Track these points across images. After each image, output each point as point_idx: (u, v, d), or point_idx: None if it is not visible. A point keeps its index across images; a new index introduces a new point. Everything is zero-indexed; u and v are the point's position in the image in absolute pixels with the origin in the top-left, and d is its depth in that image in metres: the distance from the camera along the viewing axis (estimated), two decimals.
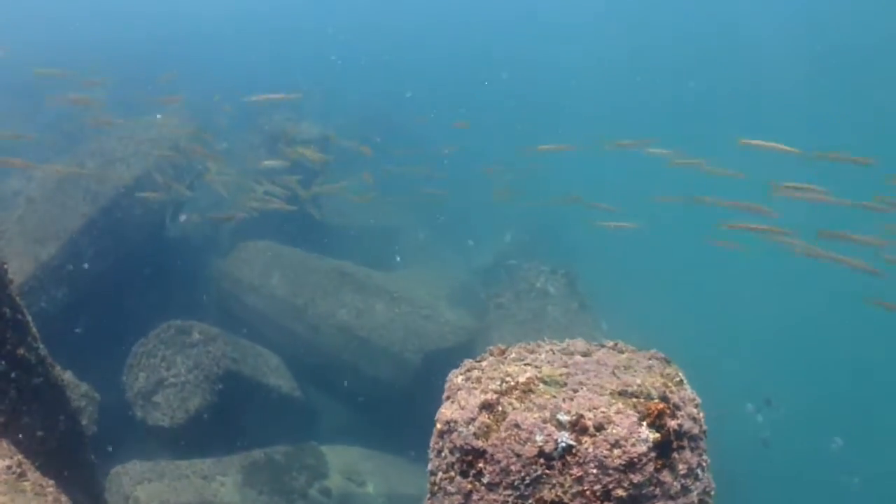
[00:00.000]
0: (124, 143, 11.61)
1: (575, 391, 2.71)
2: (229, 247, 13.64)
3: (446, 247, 19.21)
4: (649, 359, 3.07)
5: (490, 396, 2.72)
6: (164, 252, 12.14)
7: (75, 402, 8.86)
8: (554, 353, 3.06)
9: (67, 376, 8.81)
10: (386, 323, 11.28)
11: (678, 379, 2.92)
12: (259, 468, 8.78)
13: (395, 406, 10.78)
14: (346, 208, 16.70)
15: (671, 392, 2.76)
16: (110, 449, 8.58)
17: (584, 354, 3.05)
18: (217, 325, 12.07)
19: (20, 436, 5.04)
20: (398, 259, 16.63)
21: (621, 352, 3.15)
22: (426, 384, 10.56)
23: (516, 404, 2.67)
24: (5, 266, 5.28)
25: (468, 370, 3.01)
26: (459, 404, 2.77)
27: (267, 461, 8.91)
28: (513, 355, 3.11)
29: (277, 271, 12.13)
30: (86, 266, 10.07)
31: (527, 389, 2.73)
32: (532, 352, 3.12)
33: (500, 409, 2.67)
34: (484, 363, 3.05)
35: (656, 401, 2.67)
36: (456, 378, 2.97)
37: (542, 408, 2.63)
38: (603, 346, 3.19)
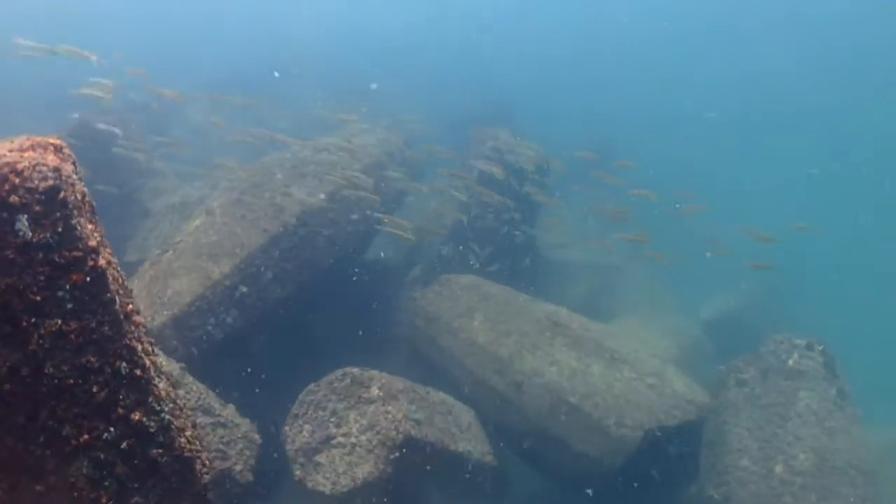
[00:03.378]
0: (317, 154, 10.90)
1: None
2: (429, 276, 12.73)
3: (668, 289, 17.51)
4: None
5: None
6: (355, 279, 11.31)
7: (234, 444, 8.10)
8: None
9: (228, 412, 8.08)
10: (602, 389, 9.88)
11: None
12: None
13: (600, 488, 9.73)
14: (555, 240, 15.48)
15: None
16: None
17: None
18: (406, 367, 11.24)
19: None
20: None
21: None
22: (642, 467, 9.42)
23: None
24: (131, 308, 4.31)
25: None
26: None
27: None
28: None
29: (480, 313, 10.97)
30: (262, 290, 9.32)
31: None
32: None
33: None
34: None
35: None
36: None
37: None
38: None
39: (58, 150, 3.89)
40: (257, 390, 9.38)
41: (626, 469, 9.50)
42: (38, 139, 3.91)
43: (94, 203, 4.30)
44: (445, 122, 19.69)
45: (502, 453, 10.38)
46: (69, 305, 3.80)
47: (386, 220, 11.10)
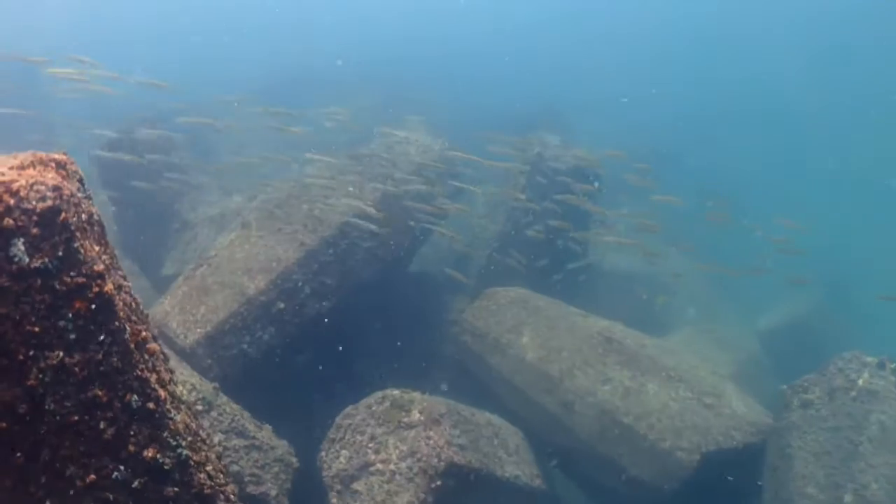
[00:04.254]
0: (357, 163, 10.64)
1: None
2: (476, 289, 12.39)
3: (723, 297, 17.00)
4: None
5: None
6: (398, 292, 11.01)
7: (269, 467, 7.85)
8: None
9: (263, 434, 7.84)
10: (658, 409, 9.47)
11: None
12: None
13: None
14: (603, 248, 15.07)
15: None
16: None
17: None
18: (453, 385, 10.93)
19: None
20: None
21: None
22: (698, 493, 8.99)
23: None
24: (144, 335, 4.05)
25: None
26: None
27: None
28: None
29: (529, 328, 10.61)
30: (300, 306, 9.07)
31: None
32: None
33: None
34: None
35: None
36: None
37: None
38: None
39: (60, 166, 3.64)
40: (295, 411, 9.15)
41: (682, 495, 9.10)
42: (42, 155, 3.67)
43: (103, 223, 4.05)
44: (493, 128, 19.39)
45: (552, 476, 10.06)
46: (72, 336, 3.54)
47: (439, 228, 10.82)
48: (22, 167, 3.55)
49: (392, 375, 10.37)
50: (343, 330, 9.88)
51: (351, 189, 10.50)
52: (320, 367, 9.79)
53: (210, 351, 8.56)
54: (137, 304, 4.24)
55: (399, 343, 10.78)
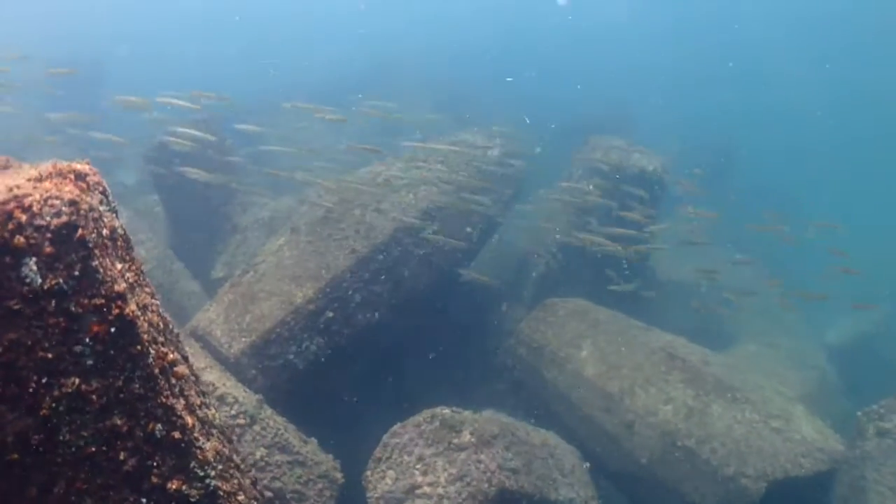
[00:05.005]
0: (412, 167, 10.37)
1: None
2: (533, 299, 12.06)
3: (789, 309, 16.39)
4: None
5: None
6: (453, 300, 10.72)
7: (313, 483, 7.64)
8: None
9: (308, 449, 7.63)
10: (722, 432, 9.05)
11: None
12: None
13: None
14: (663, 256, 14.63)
15: None
16: None
17: None
18: (508, 399, 10.65)
19: None
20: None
21: None
22: None
23: None
24: (171, 357, 3.83)
25: None
26: None
27: None
28: None
29: (589, 342, 10.24)
30: (349, 316, 8.83)
31: None
32: None
33: None
34: None
35: None
36: None
37: None
38: None
39: (80, 177, 3.41)
40: (342, 423, 8.92)
41: None
42: (62, 165, 3.45)
43: (129, 237, 3.82)
44: (557, 130, 19.11)
45: (610, 496, 9.70)
46: (89, 362, 3.31)
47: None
48: (39, 179, 3.33)
49: (444, 388, 10.12)
50: (394, 340, 9.62)
51: (405, 192, 10.24)
52: (369, 379, 9.54)
53: (255, 361, 8.36)
54: (167, 323, 4.02)
55: (453, 354, 10.51)
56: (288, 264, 9.00)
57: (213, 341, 8.47)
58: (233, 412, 7.21)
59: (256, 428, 7.33)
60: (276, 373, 8.43)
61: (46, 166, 3.42)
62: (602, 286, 11.89)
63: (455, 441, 7.53)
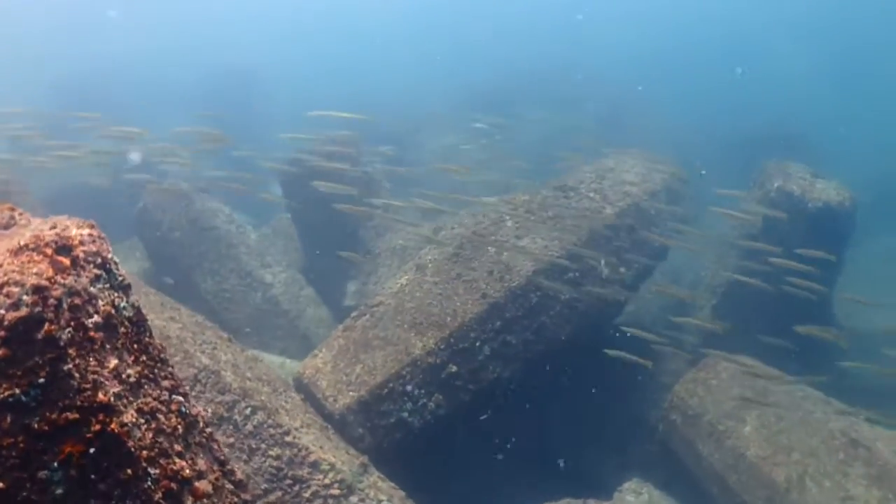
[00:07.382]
0: (560, 195, 9.52)
1: None
2: (698, 347, 10.88)
3: None
4: None
5: None
6: (600, 355, 9.72)
7: None
8: None
9: None
10: None
11: None
12: None
13: None
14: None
15: None
16: None
17: None
18: (658, 465, 9.64)
19: None
20: None
21: None
22: None
23: None
24: (187, 473, 3.15)
25: None
26: None
27: None
28: None
29: (755, 416, 9.01)
30: (476, 370, 8.04)
31: None
32: None
33: None
34: None
35: None
36: None
37: None
38: None
39: (62, 251, 2.75)
40: (465, 492, 8.17)
41: None
42: (46, 233, 2.80)
43: (142, 317, 3.14)
44: (719, 149, 17.88)
45: None
46: (58, 491, 2.64)
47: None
48: (16, 252, 2.70)
49: (583, 452, 9.23)
50: (528, 399, 8.74)
51: (550, 225, 9.37)
52: (496, 442, 8.71)
53: (363, 419, 7.67)
54: (188, 424, 3.31)
55: (593, 416, 9.55)
56: (409, 308, 8.28)
57: (317, 394, 7.84)
58: (326, 481, 6.53)
59: (353, 499, 6.62)
60: (386, 432, 7.72)
61: (28, 236, 2.78)
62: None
63: None
